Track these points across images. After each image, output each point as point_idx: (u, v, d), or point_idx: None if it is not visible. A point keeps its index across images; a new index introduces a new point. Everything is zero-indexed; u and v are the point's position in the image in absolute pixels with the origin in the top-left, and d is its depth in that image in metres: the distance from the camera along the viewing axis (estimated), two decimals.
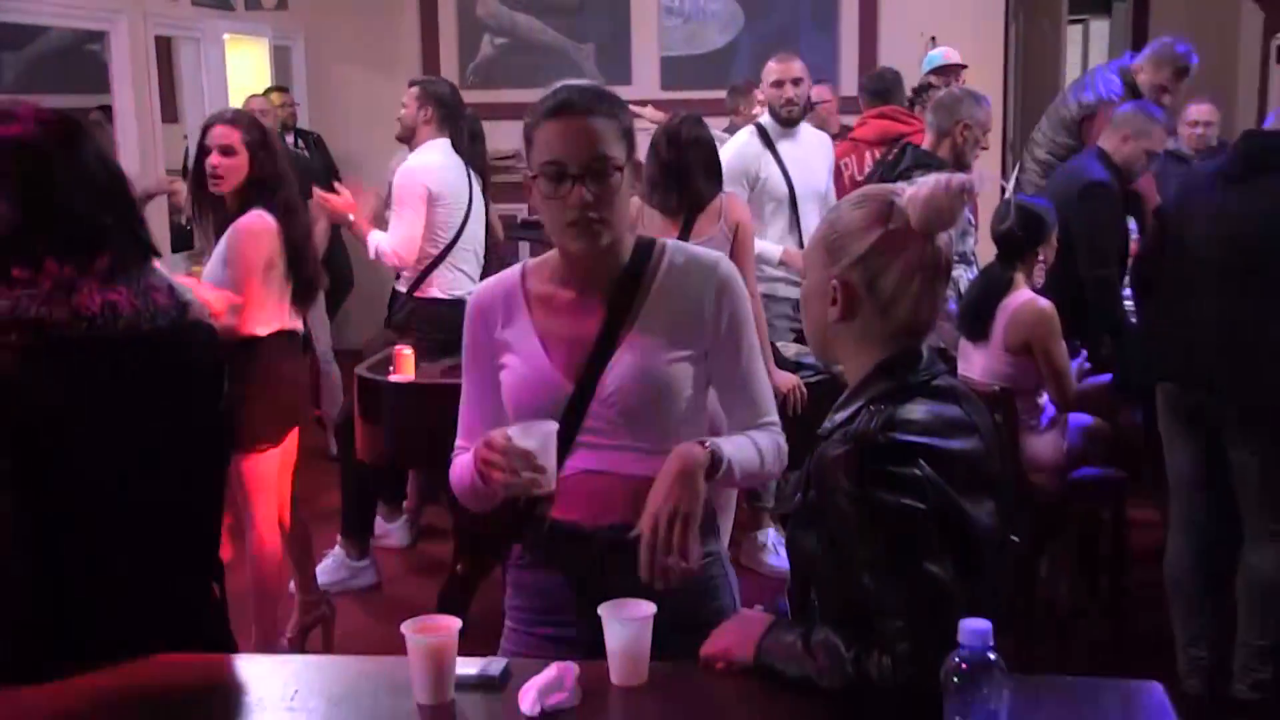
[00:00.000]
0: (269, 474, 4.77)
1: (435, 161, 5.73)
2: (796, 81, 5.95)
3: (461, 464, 2.56)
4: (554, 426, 2.39)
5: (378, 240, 5.63)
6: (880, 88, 7.27)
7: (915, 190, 2.15)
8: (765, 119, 6.07)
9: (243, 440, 4.68)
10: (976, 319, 4.81)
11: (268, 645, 4.81)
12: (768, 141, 5.97)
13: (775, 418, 2.65)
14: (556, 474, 2.38)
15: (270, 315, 4.56)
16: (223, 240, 4.53)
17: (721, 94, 8.89)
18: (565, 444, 2.48)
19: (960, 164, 5.50)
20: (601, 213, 2.42)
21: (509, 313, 2.59)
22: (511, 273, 2.65)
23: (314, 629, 5.11)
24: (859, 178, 6.59)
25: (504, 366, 2.57)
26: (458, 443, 2.65)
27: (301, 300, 4.72)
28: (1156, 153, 5.44)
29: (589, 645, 2.31)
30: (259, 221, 4.50)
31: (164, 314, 2.46)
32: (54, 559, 2.34)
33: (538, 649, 2.52)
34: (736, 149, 5.96)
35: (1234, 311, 4.29)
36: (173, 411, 2.50)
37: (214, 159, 4.50)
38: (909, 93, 7.43)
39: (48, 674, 2.29)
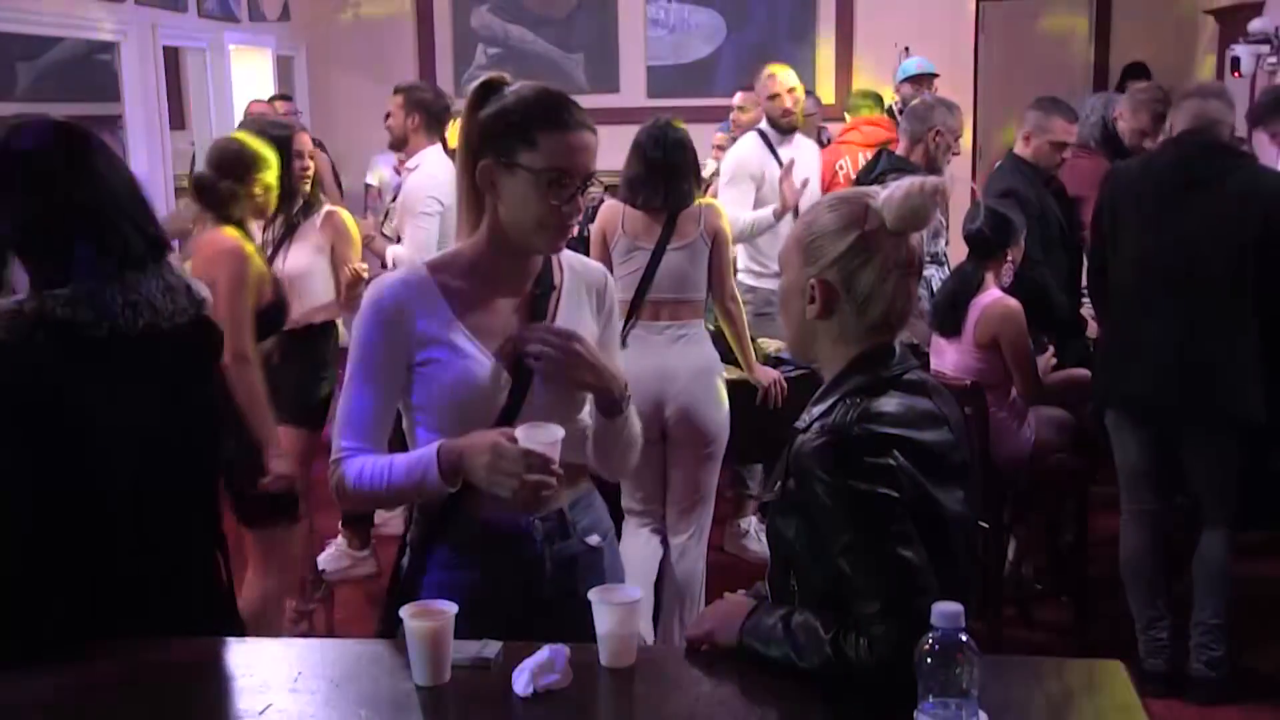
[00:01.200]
0: (307, 455, 5.11)
1: (439, 172, 5.77)
2: (791, 90, 6.26)
3: (377, 465, 2.47)
4: (561, 432, 2.36)
5: (395, 252, 5.76)
6: (864, 104, 7.51)
7: (890, 192, 2.19)
8: (765, 125, 6.36)
9: (307, 422, 5.09)
10: (949, 316, 4.93)
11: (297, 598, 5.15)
12: (769, 146, 6.26)
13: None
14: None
15: None
16: (316, 231, 5.05)
17: (706, 101, 8.99)
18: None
19: (933, 168, 5.61)
20: (575, 220, 2.50)
21: (427, 309, 2.50)
22: (416, 271, 2.56)
23: (317, 608, 5.29)
24: (853, 175, 6.75)
25: (430, 362, 2.49)
26: (344, 444, 2.51)
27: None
28: (1063, 142, 5.52)
29: (524, 637, 2.30)
30: None
31: (182, 313, 2.50)
32: (74, 543, 2.38)
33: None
34: (744, 150, 6.26)
35: (1183, 330, 4.40)
36: (185, 400, 2.57)
37: (306, 162, 5.04)
38: (895, 107, 7.62)
39: (62, 652, 2.33)
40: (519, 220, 2.48)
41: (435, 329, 2.50)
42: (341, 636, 5.03)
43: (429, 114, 5.94)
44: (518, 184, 2.45)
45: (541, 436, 2.33)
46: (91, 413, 2.38)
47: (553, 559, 2.58)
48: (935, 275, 5.59)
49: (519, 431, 2.34)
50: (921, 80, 7.95)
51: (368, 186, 8.70)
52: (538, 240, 2.51)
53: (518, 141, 2.44)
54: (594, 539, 2.67)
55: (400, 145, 6.01)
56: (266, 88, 9.21)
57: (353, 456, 2.50)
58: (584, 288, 2.68)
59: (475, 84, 2.55)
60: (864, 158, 6.76)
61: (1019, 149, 5.63)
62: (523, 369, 2.51)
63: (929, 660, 1.81)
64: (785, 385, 5.07)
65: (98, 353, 2.38)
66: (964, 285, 4.94)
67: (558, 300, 2.62)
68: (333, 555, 5.98)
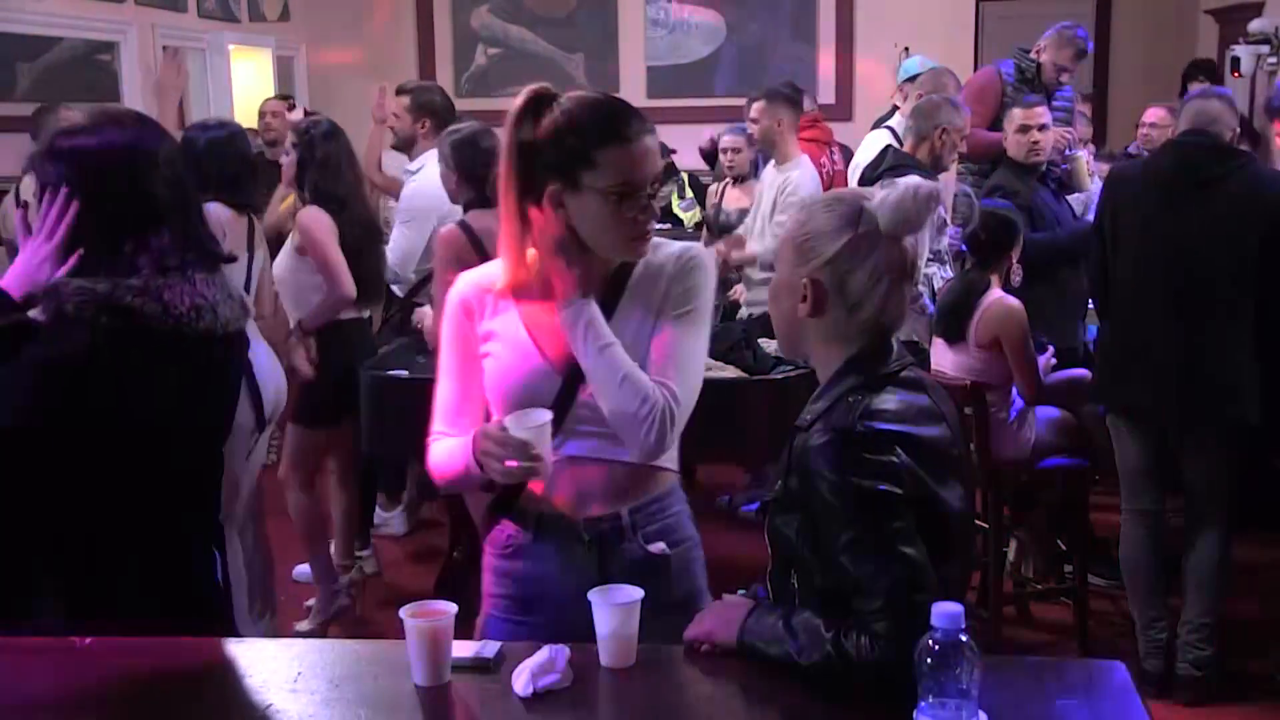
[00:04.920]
0: (310, 451, 5.24)
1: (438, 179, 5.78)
2: None
3: (443, 448, 2.58)
4: (548, 416, 2.39)
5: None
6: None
7: (885, 195, 2.19)
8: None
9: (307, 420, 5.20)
10: (954, 321, 4.92)
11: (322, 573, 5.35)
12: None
13: (675, 388, 2.47)
14: (551, 462, 2.40)
15: None
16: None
17: (705, 102, 9.04)
18: (554, 432, 2.47)
19: (938, 167, 5.63)
20: (653, 223, 2.49)
21: (493, 303, 2.58)
22: (495, 265, 2.62)
23: (334, 622, 5.32)
24: (840, 167, 6.97)
25: (488, 355, 2.57)
26: (434, 427, 2.64)
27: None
28: (1024, 125, 5.73)
29: (570, 634, 2.30)
30: None
31: (235, 321, 2.58)
32: (96, 529, 2.44)
33: (518, 637, 2.48)
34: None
35: (1183, 332, 4.40)
36: (217, 405, 2.65)
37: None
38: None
39: (68, 633, 2.38)
40: (599, 237, 2.47)
41: (496, 322, 2.58)
42: (344, 635, 5.10)
43: (437, 117, 5.93)
44: (588, 204, 2.44)
45: (525, 421, 2.37)
46: (132, 402, 2.42)
47: (608, 562, 2.55)
48: (937, 273, 5.58)
49: (508, 419, 2.39)
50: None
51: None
52: (619, 252, 2.51)
53: (579, 164, 2.43)
54: (658, 547, 2.61)
55: (406, 147, 5.97)
56: (266, 88, 9.24)
57: (437, 440, 2.62)
58: (658, 279, 2.56)
59: (521, 100, 2.50)
60: (831, 152, 6.99)
61: (1009, 151, 5.79)
62: (575, 370, 2.50)
63: (929, 660, 1.81)
64: None
65: (155, 346, 2.43)
66: (970, 291, 4.93)
67: (621, 300, 2.55)
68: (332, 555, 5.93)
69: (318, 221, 5.02)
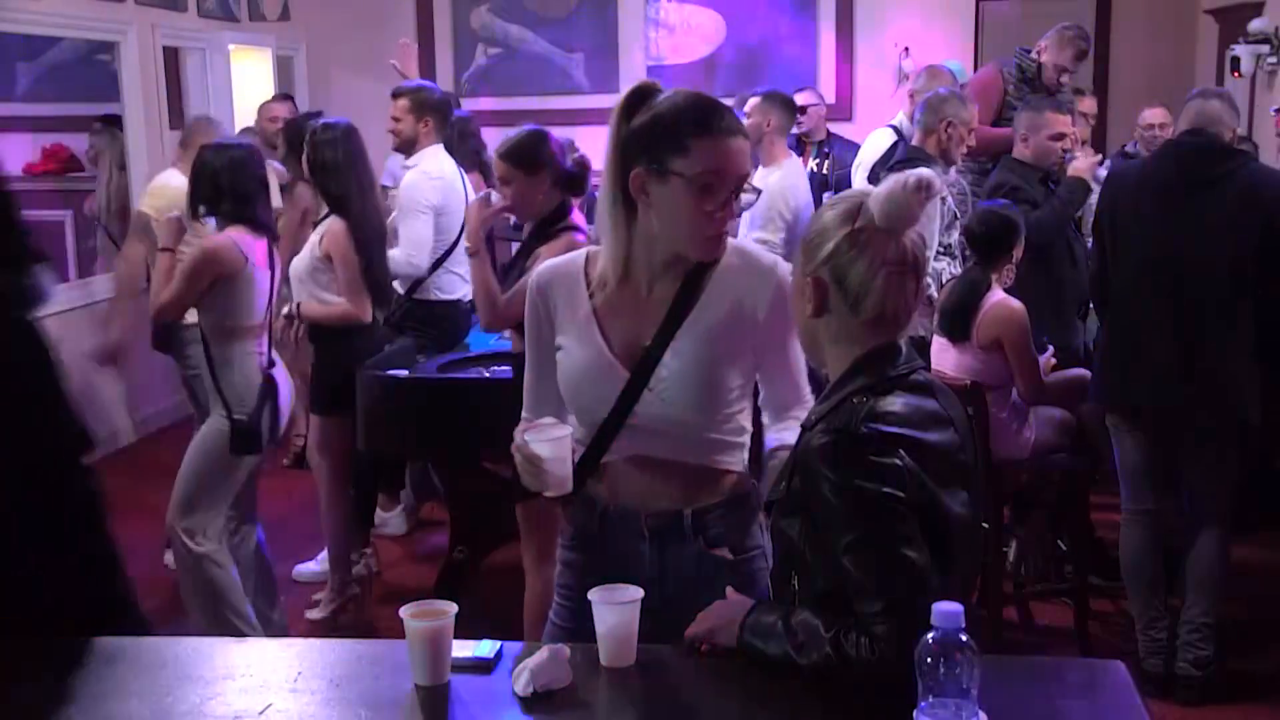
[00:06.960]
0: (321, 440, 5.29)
1: (441, 170, 5.86)
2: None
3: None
4: (567, 431, 2.46)
5: (390, 255, 5.62)
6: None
7: (879, 189, 2.19)
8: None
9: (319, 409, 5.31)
10: (958, 321, 4.89)
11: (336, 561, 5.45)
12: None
13: (810, 398, 2.59)
14: (570, 475, 2.46)
15: None
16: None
17: None
18: (617, 429, 2.55)
19: (947, 159, 5.64)
20: (728, 226, 2.51)
21: (570, 296, 2.61)
22: (576, 257, 2.67)
23: (342, 613, 5.37)
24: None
25: (561, 348, 2.61)
26: (523, 414, 2.69)
27: None
28: (1061, 133, 5.64)
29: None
30: None
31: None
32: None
33: (584, 626, 2.47)
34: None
35: (1182, 332, 4.40)
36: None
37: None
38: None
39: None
40: (672, 229, 2.50)
41: (571, 314, 2.61)
42: (342, 636, 5.04)
43: (439, 114, 5.96)
44: (671, 191, 2.46)
45: (544, 436, 2.43)
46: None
47: (667, 560, 2.60)
48: (947, 268, 5.55)
49: (530, 432, 2.45)
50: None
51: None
52: (692, 248, 2.52)
53: (670, 149, 2.45)
54: (721, 551, 2.62)
55: (408, 148, 5.95)
56: (266, 88, 9.21)
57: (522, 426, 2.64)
58: (742, 288, 2.58)
59: (626, 92, 2.56)
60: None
61: (1017, 152, 5.72)
62: (642, 369, 2.53)
63: (929, 660, 1.81)
64: None
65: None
66: (973, 290, 4.91)
67: (697, 302, 2.57)
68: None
69: (347, 237, 5.10)
